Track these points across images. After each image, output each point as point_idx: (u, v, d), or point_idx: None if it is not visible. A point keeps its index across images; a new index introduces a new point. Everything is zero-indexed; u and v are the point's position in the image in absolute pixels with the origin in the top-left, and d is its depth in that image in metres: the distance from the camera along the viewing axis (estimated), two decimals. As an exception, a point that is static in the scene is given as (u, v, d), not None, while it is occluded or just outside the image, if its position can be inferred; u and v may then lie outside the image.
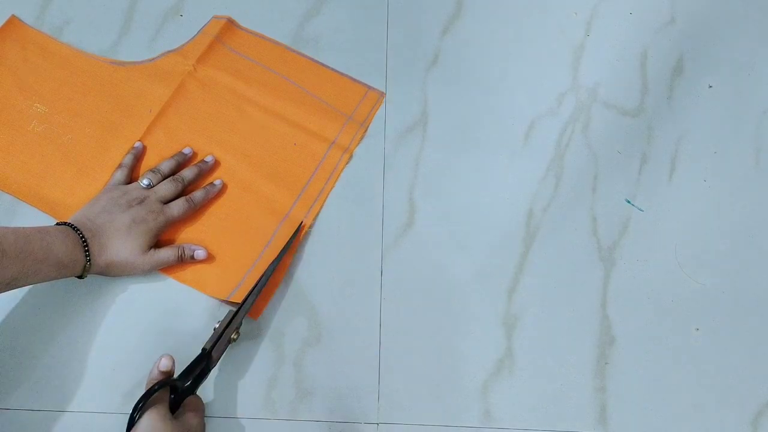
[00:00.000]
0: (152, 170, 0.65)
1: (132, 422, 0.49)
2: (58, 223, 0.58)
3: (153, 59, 0.73)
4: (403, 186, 0.70)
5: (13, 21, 0.73)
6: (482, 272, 0.66)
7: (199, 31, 0.75)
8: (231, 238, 0.65)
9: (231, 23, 0.76)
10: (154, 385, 0.50)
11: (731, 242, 0.69)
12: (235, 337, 0.58)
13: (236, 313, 0.58)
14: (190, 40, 0.74)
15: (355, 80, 0.75)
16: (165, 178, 0.65)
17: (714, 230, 0.70)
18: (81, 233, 0.57)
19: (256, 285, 0.60)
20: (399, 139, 0.72)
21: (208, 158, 0.68)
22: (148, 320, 0.62)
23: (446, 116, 0.73)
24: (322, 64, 0.75)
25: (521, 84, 0.76)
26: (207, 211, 0.66)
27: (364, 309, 0.64)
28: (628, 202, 0.71)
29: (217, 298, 0.63)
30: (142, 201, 0.62)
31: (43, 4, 0.76)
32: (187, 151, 0.68)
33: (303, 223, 0.66)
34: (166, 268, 0.63)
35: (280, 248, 0.64)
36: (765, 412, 0.62)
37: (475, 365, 0.63)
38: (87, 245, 0.57)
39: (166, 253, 0.61)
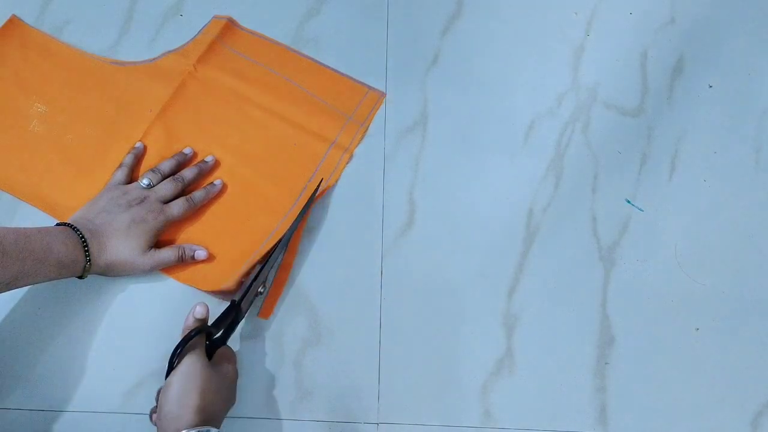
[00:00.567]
0: (152, 170, 0.65)
1: (171, 367, 0.51)
2: (58, 224, 0.58)
3: (153, 59, 0.73)
4: (403, 186, 0.70)
5: (13, 21, 0.73)
6: (482, 272, 0.66)
7: (199, 31, 0.75)
8: (231, 238, 0.65)
9: (231, 23, 0.76)
10: (190, 332, 0.52)
11: (731, 242, 0.69)
12: (262, 290, 0.61)
13: (263, 267, 0.60)
14: (190, 40, 0.75)
15: (355, 80, 0.75)
16: (165, 177, 0.65)
17: (714, 230, 0.70)
18: (81, 233, 0.57)
19: (271, 251, 0.61)
20: (399, 139, 0.72)
21: (209, 158, 0.68)
22: (148, 320, 0.62)
23: (446, 116, 0.74)
24: (323, 64, 0.75)
25: (521, 84, 0.76)
26: (207, 211, 0.66)
27: (364, 309, 0.64)
28: (628, 202, 0.71)
29: (213, 293, 0.63)
30: (142, 201, 0.62)
31: (44, 4, 0.76)
32: (187, 151, 0.68)
33: (322, 181, 0.68)
34: (166, 268, 0.63)
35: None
36: (765, 412, 0.62)
37: (475, 365, 0.63)
38: (87, 245, 0.57)
39: (166, 254, 0.61)
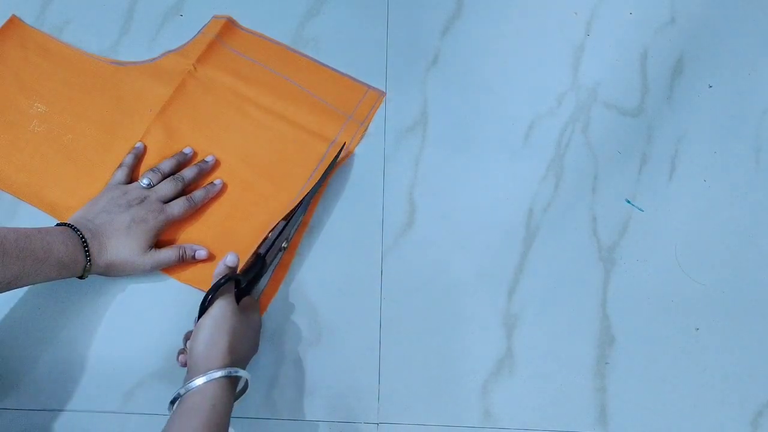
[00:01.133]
0: (152, 170, 0.65)
1: (203, 309, 0.54)
2: (58, 224, 0.58)
3: (153, 59, 0.73)
4: (403, 186, 0.70)
5: (13, 21, 0.73)
6: (482, 272, 0.66)
7: (199, 31, 0.75)
8: (231, 238, 0.65)
9: (231, 23, 0.76)
10: (221, 279, 0.55)
11: (731, 242, 0.69)
12: (285, 245, 0.63)
13: (286, 224, 0.62)
14: (190, 40, 0.75)
15: (355, 80, 0.75)
16: (165, 177, 0.65)
17: (714, 230, 0.70)
18: (81, 233, 0.57)
19: (297, 208, 0.63)
20: (399, 139, 0.72)
21: (209, 158, 0.68)
22: (147, 320, 0.62)
23: (446, 116, 0.74)
24: (322, 64, 0.75)
25: (521, 84, 0.76)
26: (207, 210, 0.66)
27: (364, 309, 0.64)
28: (628, 202, 0.71)
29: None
30: (142, 200, 0.62)
31: (44, 4, 0.76)
32: (187, 150, 0.68)
33: (346, 144, 0.70)
34: (166, 267, 0.63)
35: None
36: (765, 412, 0.62)
37: (475, 365, 0.63)
38: (87, 245, 0.57)
39: (166, 254, 0.61)
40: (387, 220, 0.68)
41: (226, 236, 0.65)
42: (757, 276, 0.68)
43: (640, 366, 0.64)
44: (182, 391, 0.49)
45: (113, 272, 0.60)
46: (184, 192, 0.66)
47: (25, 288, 0.61)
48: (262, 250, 0.61)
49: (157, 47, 0.74)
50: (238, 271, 0.58)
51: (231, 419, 0.57)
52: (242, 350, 0.54)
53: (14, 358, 0.59)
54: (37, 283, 0.54)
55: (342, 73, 0.75)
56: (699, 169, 0.73)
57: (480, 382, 0.62)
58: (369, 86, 0.74)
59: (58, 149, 0.68)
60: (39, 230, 0.55)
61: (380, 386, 0.61)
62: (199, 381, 0.49)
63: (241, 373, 0.52)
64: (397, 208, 0.69)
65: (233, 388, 0.52)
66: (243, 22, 0.77)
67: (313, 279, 0.65)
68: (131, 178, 0.66)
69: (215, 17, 0.76)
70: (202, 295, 0.62)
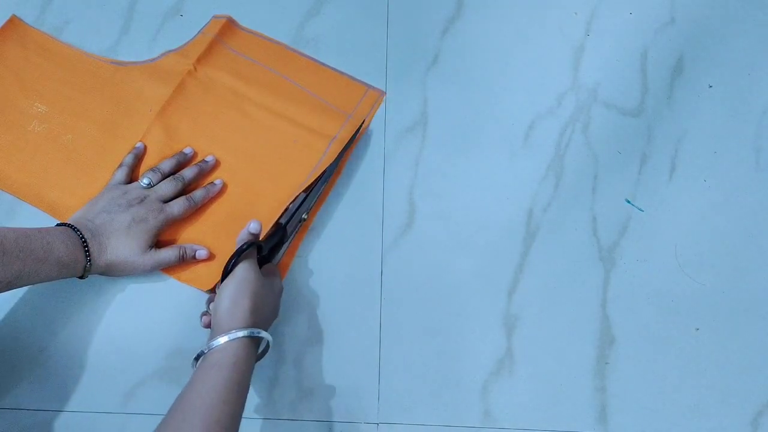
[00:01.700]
0: (152, 169, 0.65)
1: (227, 272, 0.55)
2: (58, 224, 0.58)
3: (153, 59, 0.73)
4: (403, 186, 0.70)
5: (13, 21, 0.73)
6: (482, 272, 0.66)
7: (199, 31, 0.75)
8: (231, 238, 0.65)
9: (231, 23, 0.76)
10: (244, 244, 0.56)
11: (731, 242, 0.69)
12: (305, 216, 0.65)
13: (307, 196, 0.64)
14: (190, 40, 0.75)
15: (355, 79, 0.75)
16: (165, 177, 0.65)
17: (714, 230, 0.70)
18: (81, 233, 0.57)
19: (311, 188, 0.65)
20: (399, 139, 0.72)
21: (209, 158, 0.68)
22: (147, 320, 0.62)
23: (446, 116, 0.74)
24: (322, 64, 0.75)
25: (521, 84, 0.76)
26: (207, 210, 0.66)
27: (364, 309, 0.64)
28: (628, 202, 0.71)
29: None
30: (142, 200, 0.62)
31: (44, 4, 0.76)
32: (187, 150, 0.68)
33: (364, 121, 0.71)
34: (167, 267, 0.63)
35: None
36: (765, 412, 0.62)
37: (475, 365, 0.63)
38: (87, 246, 0.57)
39: (166, 254, 0.61)
40: (387, 220, 0.68)
41: (226, 236, 0.65)
42: (757, 276, 0.68)
43: (640, 366, 0.64)
44: (205, 349, 0.51)
45: (113, 272, 0.60)
46: (184, 192, 0.66)
47: (25, 288, 0.61)
48: (283, 220, 0.63)
49: (157, 47, 0.74)
50: (260, 239, 0.59)
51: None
52: (264, 313, 0.56)
53: (14, 358, 0.59)
54: (37, 282, 0.54)
55: (342, 73, 0.75)
56: (699, 169, 0.73)
57: (480, 382, 0.62)
58: (369, 86, 0.74)
59: (58, 149, 0.68)
60: (39, 230, 0.55)
61: (380, 386, 0.61)
62: (222, 340, 0.51)
63: (263, 334, 0.53)
64: (397, 208, 0.69)
65: (255, 349, 0.54)
66: (243, 22, 0.77)
67: (313, 279, 0.65)
68: (131, 178, 0.66)
69: (215, 17, 0.76)
70: (202, 295, 0.63)
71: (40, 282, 0.54)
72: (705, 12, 0.81)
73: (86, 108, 0.70)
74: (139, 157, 0.67)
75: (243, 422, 0.59)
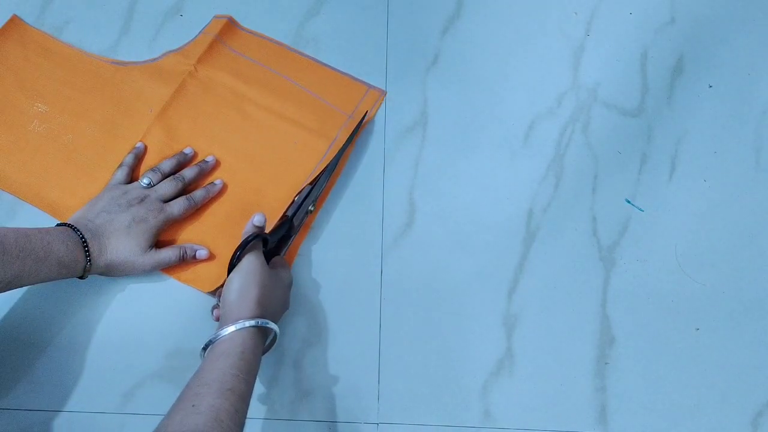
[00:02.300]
0: (152, 169, 0.65)
1: (232, 265, 0.56)
2: (58, 224, 0.58)
3: (154, 59, 0.73)
4: (403, 186, 0.70)
5: (14, 21, 0.73)
6: (482, 272, 0.66)
7: (200, 31, 0.75)
8: (231, 238, 0.65)
9: (232, 23, 0.76)
10: (249, 236, 0.57)
11: (731, 242, 0.69)
12: (311, 208, 0.65)
13: (312, 188, 0.65)
14: (190, 40, 0.74)
15: (355, 79, 0.75)
16: (165, 177, 0.65)
17: (714, 230, 0.70)
18: (81, 233, 0.57)
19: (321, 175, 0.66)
20: (399, 139, 0.72)
21: (209, 158, 0.68)
22: (147, 320, 0.62)
23: (446, 116, 0.74)
24: (323, 64, 0.75)
25: (521, 84, 0.76)
26: (207, 210, 0.66)
27: (364, 309, 0.64)
28: (628, 202, 0.71)
29: (213, 294, 0.63)
30: (142, 200, 0.62)
31: (44, 4, 0.76)
32: (188, 151, 0.68)
33: (367, 113, 0.72)
34: (167, 267, 0.63)
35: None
36: (765, 412, 0.62)
37: (475, 365, 0.63)
38: (87, 246, 0.57)
39: (167, 254, 0.61)
40: (387, 220, 0.68)
41: (226, 236, 0.65)
42: (757, 276, 0.68)
43: (640, 366, 0.64)
44: (213, 338, 0.52)
45: (113, 272, 0.60)
46: (184, 192, 0.66)
47: (25, 288, 0.61)
48: (289, 213, 0.63)
49: (157, 47, 0.74)
50: (266, 232, 0.60)
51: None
52: (272, 304, 0.56)
53: (14, 358, 0.59)
54: (37, 282, 0.54)
55: (342, 72, 0.75)
56: (699, 169, 0.73)
57: (480, 382, 0.62)
58: (369, 85, 0.74)
59: (58, 149, 0.68)
60: (39, 230, 0.55)
61: (380, 386, 0.61)
62: (230, 329, 0.51)
63: (270, 324, 0.53)
64: (397, 208, 0.69)
65: (262, 339, 0.54)
66: (243, 22, 0.77)
67: (313, 279, 0.65)
68: (131, 178, 0.66)
69: (216, 17, 0.76)
70: (202, 295, 0.63)
71: (40, 282, 0.54)
72: (705, 12, 0.81)
73: (86, 108, 0.70)
74: (139, 157, 0.67)
75: (243, 422, 0.59)
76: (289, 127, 0.71)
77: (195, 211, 0.65)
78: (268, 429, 0.59)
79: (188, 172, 0.66)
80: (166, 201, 0.63)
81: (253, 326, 0.52)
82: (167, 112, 0.70)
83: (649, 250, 0.68)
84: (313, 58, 0.75)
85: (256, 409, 0.60)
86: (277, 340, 0.56)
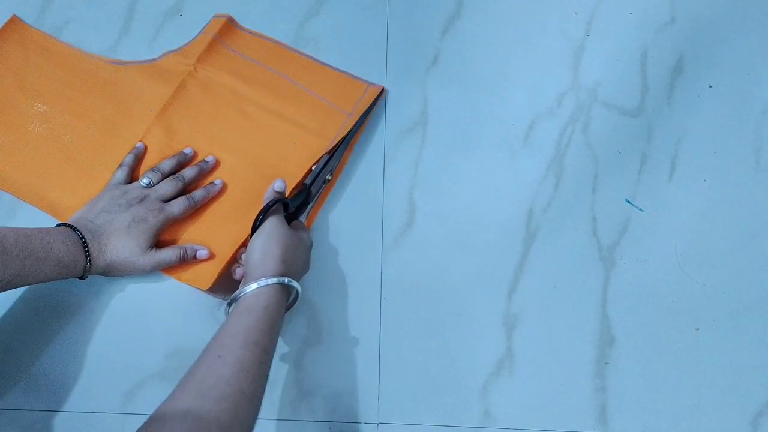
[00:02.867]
0: (152, 169, 0.65)
1: (256, 227, 0.58)
2: (58, 224, 0.58)
3: (153, 59, 0.73)
4: (403, 186, 0.70)
5: (14, 21, 0.73)
6: (482, 272, 0.66)
7: (199, 31, 0.75)
8: (231, 238, 0.65)
9: (231, 23, 0.76)
10: (271, 201, 0.59)
11: (731, 242, 0.69)
12: (329, 177, 0.67)
13: (330, 157, 0.67)
14: (190, 40, 0.74)
15: (354, 77, 0.75)
16: (165, 177, 0.65)
17: (714, 230, 0.70)
18: (81, 234, 0.57)
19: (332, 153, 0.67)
20: (399, 139, 0.72)
21: (209, 158, 0.68)
22: (147, 320, 0.62)
23: (446, 116, 0.74)
24: (322, 63, 0.75)
25: (521, 84, 0.76)
26: (207, 210, 0.66)
27: (364, 309, 0.64)
28: (628, 202, 0.71)
29: (213, 293, 0.63)
30: (142, 200, 0.62)
31: (44, 4, 0.76)
32: (188, 150, 0.68)
33: (383, 91, 0.74)
34: (167, 267, 0.63)
35: None
36: (765, 412, 0.62)
37: (475, 365, 0.63)
38: (87, 246, 0.57)
39: (167, 254, 0.61)
40: (387, 220, 0.68)
41: (227, 236, 0.65)
42: (757, 276, 0.68)
43: (640, 366, 0.64)
44: (237, 295, 0.54)
45: (113, 272, 0.60)
46: (184, 192, 0.66)
47: (25, 288, 0.61)
48: (308, 181, 0.65)
49: (157, 47, 0.74)
50: (287, 197, 0.62)
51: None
52: (294, 264, 0.58)
53: (14, 358, 0.59)
54: (36, 282, 0.54)
55: (341, 71, 0.75)
56: (699, 169, 0.73)
57: (480, 382, 0.62)
58: (369, 83, 0.74)
59: (58, 149, 0.68)
60: (39, 230, 0.55)
61: (380, 386, 0.61)
62: (253, 286, 0.53)
63: (293, 283, 0.55)
64: (397, 208, 0.69)
65: (285, 297, 0.56)
66: (243, 22, 0.77)
67: (313, 279, 0.65)
68: (131, 177, 0.66)
69: (215, 17, 0.76)
70: (203, 295, 0.63)
71: (40, 282, 0.54)
72: (705, 12, 0.81)
73: (86, 108, 0.70)
74: (139, 157, 0.67)
75: (243, 422, 0.59)
76: (288, 127, 0.71)
77: (195, 210, 0.65)
78: (269, 429, 0.59)
79: (188, 172, 0.66)
80: (166, 201, 0.63)
81: (276, 283, 0.54)
82: (167, 112, 0.70)
83: (649, 250, 0.68)
84: (312, 58, 0.75)
85: (256, 409, 0.60)
86: (298, 299, 0.58)
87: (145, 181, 0.63)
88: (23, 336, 0.60)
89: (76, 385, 0.59)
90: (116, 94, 0.71)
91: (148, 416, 0.57)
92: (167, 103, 0.70)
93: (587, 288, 0.66)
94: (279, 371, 0.61)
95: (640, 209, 0.70)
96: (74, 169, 0.67)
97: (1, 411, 0.58)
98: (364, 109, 0.72)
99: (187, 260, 0.63)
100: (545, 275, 0.67)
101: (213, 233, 0.65)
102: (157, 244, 0.63)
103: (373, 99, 0.73)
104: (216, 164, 0.69)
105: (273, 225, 0.58)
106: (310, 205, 0.67)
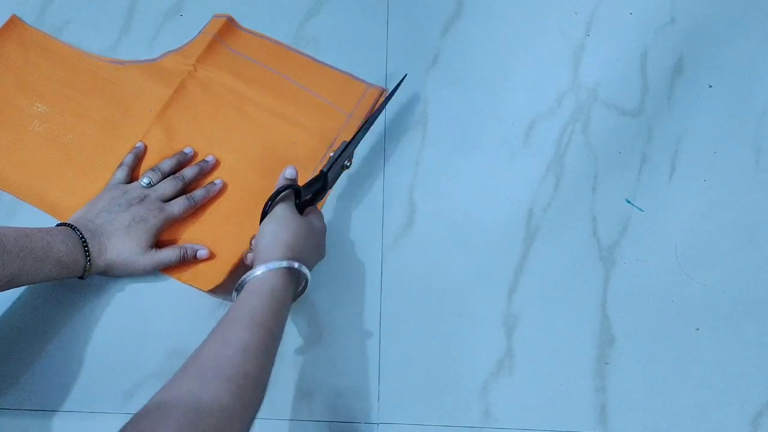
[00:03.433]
0: (152, 169, 0.65)
1: (265, 214, 0.57)
2: (58, 224, 0.58)
3: (153, 59, 0.73)
4: (403, 186, 0.70)
5: (13, 21, 0.73)
6: (482, 272, 0.66)
7: (199, 31, 0.75)
8: (232, 238, 0.65)
9: (231, 23, 0.76)
10: (281, 187, 0.58)
11: (731, 242, 0.69)
12: (348, 164, 0.65)
13: (348, 144, 0.65)
14: (190, 40, 0.75)
15: (355, 78, 0.75)
16: (165, 177, 0.65)
17: (714, 230, 0.70)
18: (81, 234, 0.57)
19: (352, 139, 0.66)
20: (399, 139, 0.72)
21: (209, 158, 0.68)
22: (147, 320, 0.62)
23: (446, 116, 0.74)
24: (322, 62, 0.75)
25: (521, 84, 0.76)
26: (207, 210, 0.66)
27: (364, 309, 0.64)
28: (628, 202, 0.71)
29: (213, 293, 0.63)
30: (142, 200, 0.62)
31: (44, 4, 0.76)
32: (188, 150, 0.68)
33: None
34: (167, 267, 0.63)
35: None
36: (765, 412, 0.62)
37: (475, 365, 0.63)
38: (87, 246, 0.57)
39: (167, 254, 0.61)
40: (387, 220, 0.68)
41: (226, 236, 0.65)
42: (757, 276, 0.68)
43: (640, 366, 0.64)
44: (245, 279, 0.53)
45: (113, 272, 0.60)
46: (184, 191, 0.66)
47: (25, 288, 0.61)
48: (325, 168, 0.63)
49: (157, 47, 0.74)
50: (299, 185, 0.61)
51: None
52: (305, 250, 0.57)
53: (14, 358, 0.59)
54: (36, 282, 0.54)
55: (342, 71, 0.75)
56: (699, 169, 0.73)
57: (480, 382, 0.62)
58: (369, 84, 0.74)
59: (58, 149, 0.68)
60: (39, 230, 0.55)
61: (380, 386, 0.61)
62: (260, 270, 0.53)
63: (303, 268, 0.55)
64: (397, 208, 0.69)
65: (293, 283, 0.55)
66: (243, 22, 0.77)
67: (314, 279, 0.65)
68: (131, 177, 0.66)
69: (215, 17, 0.76)
70: (203, 295, 0.63)
71: (40, 281, 0.54)
72: (705, 12, 0.81)
73: (86, 108, 0.70)
74: (139, 156, 0.67)
75: (243, 422, 0.59)
76: (288, 127, 0.71)
77: (195, 210, 0.65)
78: (268, 429, 0.59)
79: (188, 172, 0.66)
80: (166, 200, 0.63)
81: (283, 267, 0.53)
82: (167, 112, 0.70)
83: (649, 250, 0.68)
84: (312, 58, 0.75)
85: (256, 409, 0.60)
86: (308, 287, 0.58)
87: (145, 180, 0.63)
88: (23, 336, 0.60)
89: (75, 384, 0.59)
90: (116, 94, 0.71)
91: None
92: (167, 103, 0.70)
93: (587, 288, 0.66)
94: (279, 371, 0.61)
95: (640, 209, 0.70)
96: (74, 169, 0.67)
97: (1, 411, 0.58)
98: (365, 110, 0.72)
99: (187, 260, 0.63)
100: (545, 275, 0.67)
101: (213, 233, 0.65)
102: (157, 244, 0.63)
103: (374, 100, 0.73)
104: (216, 164, 0.69)
105: (281, 210, 0.57)
106: (328, 192, 0.65)
